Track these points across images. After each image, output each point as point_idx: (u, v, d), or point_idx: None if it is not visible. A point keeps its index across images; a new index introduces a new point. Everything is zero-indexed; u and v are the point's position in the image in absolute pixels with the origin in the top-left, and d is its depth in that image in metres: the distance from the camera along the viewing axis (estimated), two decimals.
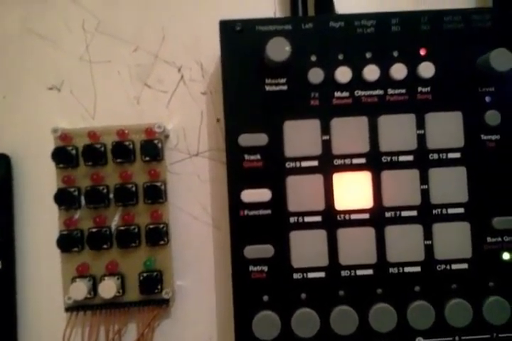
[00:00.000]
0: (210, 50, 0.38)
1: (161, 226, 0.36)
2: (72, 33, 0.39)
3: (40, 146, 0.37)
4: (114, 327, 0.37)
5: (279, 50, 0.32)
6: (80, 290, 0.35)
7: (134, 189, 0.36)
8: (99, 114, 0.39)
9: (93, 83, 0.39)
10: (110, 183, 0.36)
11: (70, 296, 0.36)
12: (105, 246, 0.36)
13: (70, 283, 0.36)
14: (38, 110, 0.38)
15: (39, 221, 0.38)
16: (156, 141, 0.36)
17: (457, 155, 0.35)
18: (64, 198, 0.36)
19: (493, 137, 0.35)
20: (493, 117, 0.35)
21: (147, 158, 0.36)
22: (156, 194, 0.36)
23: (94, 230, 0.36)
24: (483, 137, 0.35)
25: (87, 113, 0.38)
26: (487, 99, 0.35)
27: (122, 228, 0.36)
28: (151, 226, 0.36)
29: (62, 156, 0.35)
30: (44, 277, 0.38)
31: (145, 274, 0.36)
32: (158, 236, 0.36)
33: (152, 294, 0.36)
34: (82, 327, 0.37)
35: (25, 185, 0.38)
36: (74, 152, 0.36)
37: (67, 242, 0.36)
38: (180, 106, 0.39)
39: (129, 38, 0.39)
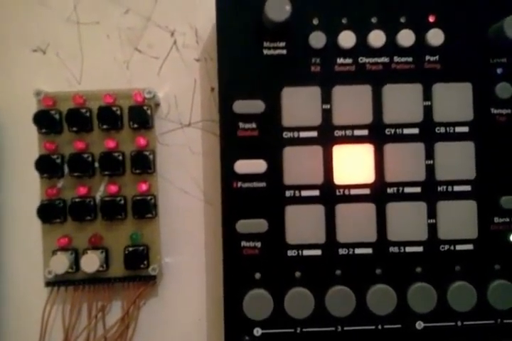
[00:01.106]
0: (206, 13, 0.36)
1: (149, 198, 0.34)
2: None
3: (23, 110, 0.35)
4: (97, 304, 0.35)
5: (278, 9, 0.30)
6: (61, 263, 0.33)
7: (120, 157, 0.34)
8: (85, 79, 0.36)
9: (80, 46, 0.36)
10: (95, 151, 0.34)
11: (50, 270, 0.34)
12: (89, 218, 0.34)
13: (51, 255, 0.34)
14: (21, 73, 0.36)
15: (20, 189, 0.36)
16: (145, 107, 0.34)
17: (465, 129, 0.33)
18: (46, 166, 0.33)
19: (504, 111, 0.33)
20: (504, 90, 0.33)
21: (135, 125, 0.34)
22: (144, 163, 0.34)
23: (77, 200, 0.34)
24: (493, 111, 0.33)
25: (73, 77, 0.36)
26: (499, 70, 0.33)
27: (107, 199, 0.34)
28: (138, 198, 0.34)
29: (45, 120, 0.33)
30: (23, 249, 0.36)
31: (130, 248, 0.34)
32: (146, 208, 0.34)
33: (138, 270, 0.34)
34: (63, 304, 0.35)
35: (6, 151, 0.36)
36: (57, 116, 0.33)
37: (48, 212, 0.34)
38: (173, 73, 0.37)
39: None
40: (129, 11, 0.36)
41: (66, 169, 0.34)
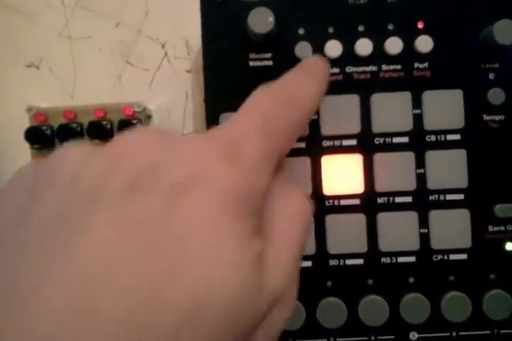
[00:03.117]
0: (196, 25, 0.35)
1: None
2: (51, 8, 0.37)
3: (16, 127, 0.35)
4: None
5: (261, 21, 0.30)
6: None
7: None
8: (78, 93, 0.37)
9: (73, 60, 0.37)
10: None
11: None
12: None
13: None
14: (15, 89, 0.37)
15: None
16: (134, 121, 0.34)
17: (457, 136, 0.32)
18: None
19: (497, 117, 0.32)
20: (496, 96, 0.32)
21: None
22: None
23: None
24: (486, 117, 0.32)
25: (67, 92, 0.37)
26: (490, 76, 0.32)
27: None
28: None
29: (36, 136, 0.34)
30: None
31: None
32: None
33: None
34: None
35: (0, 167, 0.37)
36: (48, 132, 0.34)
37: None
38: (164, 85, 0.37)
39: (110, 13, 0.37)
40: (120, 25, 0.37)
41: None
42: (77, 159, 0.17)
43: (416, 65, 0.32)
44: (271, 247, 0.19)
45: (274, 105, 0.21)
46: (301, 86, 0.24)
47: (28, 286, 0.15)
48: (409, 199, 0.32)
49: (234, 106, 0.32)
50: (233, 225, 0.17)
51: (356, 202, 0.32)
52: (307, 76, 0.25)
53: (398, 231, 0.32)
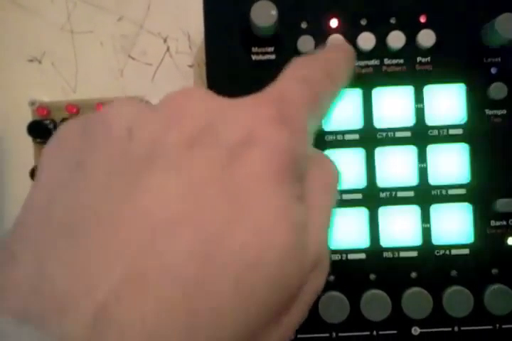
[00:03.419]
0: (198, 19, 0.35)
1: None
2: (53, 2, 0.37)
3: (19, 120, 0.35)
4: None
5: (264, 14, 0.30)
6: None
7: None
8: (80, 88, 0.37)
9: (75, 55, 0.37)
10: None
11: None
12: None
13: None
14: (17, 83, 0.37)
15: (16, 199, 0.36)
16: None
17: (459, 131, 0.32)
18: None
19: (499, 112, 0.32)
20: (498, 90, 0.32)
21: None
22: None
23: None
24: (488, 112, 0.32)
25: (69, 86, 0.37)
26: (493, 70, 0.32)
27: None
28: None
29: (39, 130, 0.34)
30: None
31: None
32: None
33: None
34: None
35: (2, 161, 0.37)
36: (51, 126, 0.34)
37: None
38: (166, 79, 0.37)
39: (112, 7, 0.37)
40: (122, 19, 0.37)
41: None
42: (132, 115, 0.17)
43: (418, 59, 0.32)
44: (310, 213, 0.20)
45: (319, 76, 0.22)
46: (338, 62, 0.24)
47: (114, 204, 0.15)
48: (411, 193, 0.32)
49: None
50: (286, 186, 0.17)
51: (358, 196, 0.32)
52: (342, 52, 0.25)
53: (400, 226, 0.32)
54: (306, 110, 0.20)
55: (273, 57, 0.32)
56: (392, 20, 0.32)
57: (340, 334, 0.32)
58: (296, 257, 0.17)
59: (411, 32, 0.32)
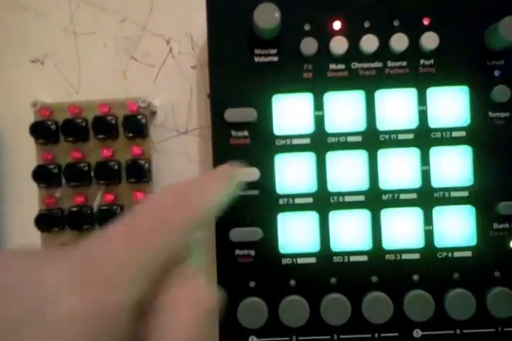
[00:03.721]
0: (201, 21, 0.35)
1: None
2: (56, 4, 0.37)
3: (21, 121, 0.35)
4: None
5: (267, 16, 0.30)
6: None
7: (116, 167, 0.34)
8: (83, 89, 0.37)
9: (78, 56, 0.37)
10: (92, 160, 0.34)
11: None
12: (87, 226, 0.34)
13: None
14: (20, 84, 0.37)
15: (18, 199, 0.36)
16: (139, 116, 0.34)
17: (462, 133, 0.32)
18: (43, 176, 0.34)
19: (502, 114, 0.32)
20: (501, 93, 0.32)
21: (130, 134, 0.34)
22: (139, 172, 0.34)
23: (74, 209, 0.34)
24: (491, 114, 0.32)
25: (71, 87, 0.37)
26: (496, 73, 0.32)
27: (104, 207, 0.34)
28: None
29: (41, 131, 0.34)
30: None
31: None
32: None
33: None
34: None
35: (5, 161, 0.36)
36: (54, 127, 0.34)
37: (46, 221, 0.34)
38: (169, 80, 0.37)
39: (115, 9, 0.37)
40: (125, 21, 0.37)
41: (63, 179, 0.34)
42: None
43: (421, 61, 0.32)
44: None
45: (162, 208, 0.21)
46: (199, 187, 0.24)
47: None
48: (413, 196, 0.32)
49: (239, 102, 0.32)
50: None
51: (361, 198, 0.32)
52: (212, 178, 0.26)
53: (403, 228, 0.32)
54: (125, 259, 0.19)
55: (276, 59, 0.32)
56: (396, 23, 0.32)
57: (341, 337, 0.32)
58: None
59: (414, 34, 0.32)
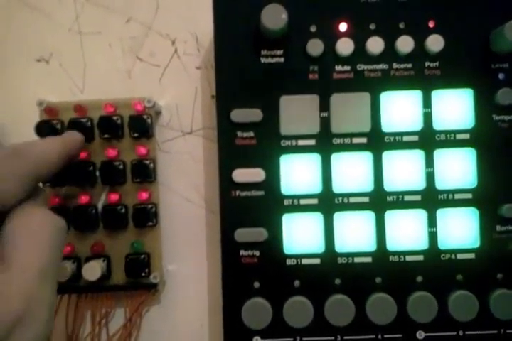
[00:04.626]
0: (207, 21, 0.35)
1: (150, 206, 0.34)
2: (61, 3, 0.37)
3: (26, 121, 0.35)
4: (100, 312, 0.36)
5: (274, 17, 0.30)
6: (64, 271, 0.33)
7: (121, 167, 0.34)
8: (88, 88, 0.37)
9: (83, 55, 0.37)
10: (97, 160, 0.34)
11: None
12: (90, 226, 0.34)
13: None
14: (25, 83, 0.37)
15: None
16: (145, 116, 0.34)
17: (466, 136, 0.32)
18: None
19: (506, 117, 0.32)
20: (506, 96, 0.32)
21: (135, 134, 0.34)
22: (144, 172, 0.34)
23: (79, 209, 0.34)
24: (495, 117, 0.32)
25: (76, 87, 0.37)
26: (500, 76, 0.32)
27: (109, 207, 0.34)
28: (139, 207, 0.34)
29: (47, 130, 0.34)
30: None
31: (132, 256, 0.34)
32: (147, 216, 0.34)
33: (139, 277, 0.34)
34: (67, 311, 0.36)
35: None
36: (59, 126, 0.34)
37: None
38: (174, 81, 0.37)
39: (121, 9, 0.37)
40: (130, 21, 0.37)
41: (68, 178, 0.34)
42: None
43: (427, 63, 0.32)
44: (7, 272, 0.22)
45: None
46: (34, 142, 0.29)
47: None
48: (418, 198, 0.32)
49: (245, 102, 0.32)
50: None
51: (365, 200, 0.32)
52: (49, 138, 0.30)
53: (407, 230, 0.32)
54: None
55: (282, 60, 0.32)
56: (401, 25, 0.32)
57: (345, 337, 0.32)
58: None
59: (420, 37, 0.32)
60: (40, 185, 0.30)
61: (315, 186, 0.32)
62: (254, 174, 0.32)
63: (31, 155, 0.27)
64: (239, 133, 0.32)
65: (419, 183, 0.32)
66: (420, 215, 0.32)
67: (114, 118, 0.34)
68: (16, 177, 0.25)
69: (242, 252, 0.32)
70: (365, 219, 0.32)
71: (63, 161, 0.29)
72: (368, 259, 0.32)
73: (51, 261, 0.24)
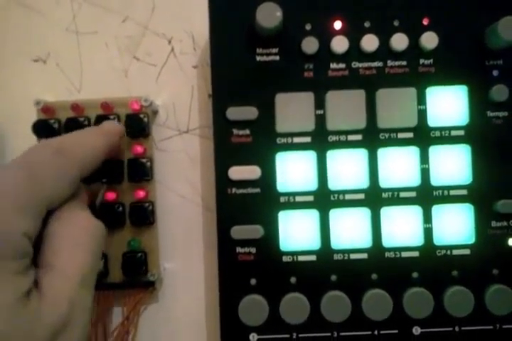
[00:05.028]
0: (203, 20, 0.36)
1: (147, 204, 0.34)
2: (58, 3, 0.37)
3: (23, 120, 0.35)
4: (97, 310, 0.36)
5: (269, 15, 0.30)
6: None
7: (118, 165, 0.34)
8: (85, 88, 0.37)
9: (80, 55, 0.37)
10: None
11: None
12: None
13: None
14: (22, 82, 0.37)
15: None
16: (142, 115, 0.34)
17: (461, 132, 0.33)
18: None
19: (500, 114, 0.33)
20: (500, 92, 0.32)
21: (132, 133, 0.34)
22: (141, 171, 0.34)
23: None
24: (490, 114, 0.33)
25: (73, 86, 0.37)
26: (494, 72, 0.33)
27: (106, 206, 0.34)
28: (136, 205, 0.34)
29: (44, 129, 0.34)
30: None
31: (129, 254, 0.34)
32: (144, 215, 0.34)
33: (136, 276, 0.34)
34: None
35: (7, 160, 0.37)
36: (56, 125, 0.34)
37: None
38: (170, 80, 0.37)
39: (117, 8, 0.37)
40: (127, 20, 0.37)
41: None
42: None
43: (421, 61, 0.32)
44: (49, 278, 0.22)
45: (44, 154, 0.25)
46: (78, 138, 0.29)
47: None
48: (413, 194, 0.32)
49: (241, 100, 0.32)
50: None
51: (361, 196, 0.32)
52: (90, 131, 0.30)
53: (402, 226, 0.32)
54: (19, 192, 0.23)
55: (277, 58, 0.32)
56: (396, 23, 0.32)
57: (341, 334, 0.32)
58: (17, 336, 0.20)
59: (414, 34, 0.32)
60: None
61: (311, 183, 0.32)
62: (250, 171, 0.32)
63: (77, 155, 0.26)
64: (235, 131, 0.32)
65: (414, 180, 0.32)
66: (416, 211, 0.32)
67: (111, 117, 0.34)
68: (64, 179, 0.25)
69: (239, 249, 0.32)
70: (361, 216, 0.32)
71: (106, 156, 0.29)
72: (364, 256, 0.32)
73: (93, 267, 0.25)
